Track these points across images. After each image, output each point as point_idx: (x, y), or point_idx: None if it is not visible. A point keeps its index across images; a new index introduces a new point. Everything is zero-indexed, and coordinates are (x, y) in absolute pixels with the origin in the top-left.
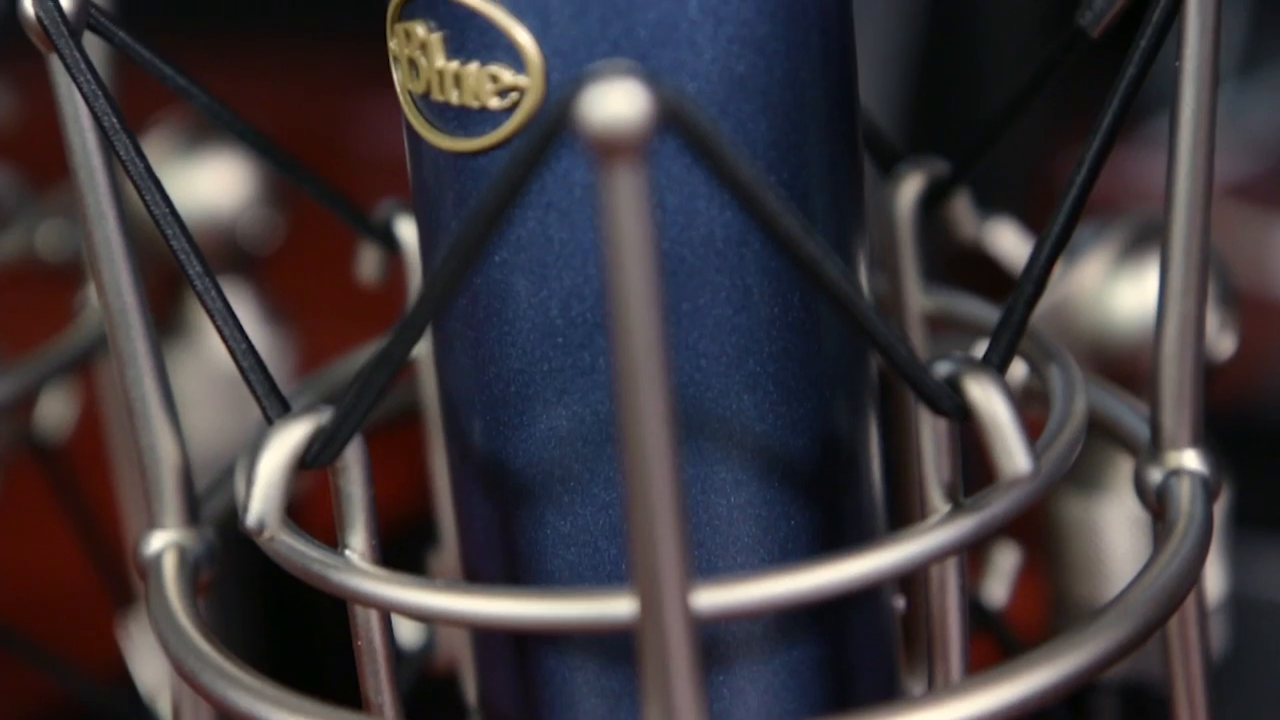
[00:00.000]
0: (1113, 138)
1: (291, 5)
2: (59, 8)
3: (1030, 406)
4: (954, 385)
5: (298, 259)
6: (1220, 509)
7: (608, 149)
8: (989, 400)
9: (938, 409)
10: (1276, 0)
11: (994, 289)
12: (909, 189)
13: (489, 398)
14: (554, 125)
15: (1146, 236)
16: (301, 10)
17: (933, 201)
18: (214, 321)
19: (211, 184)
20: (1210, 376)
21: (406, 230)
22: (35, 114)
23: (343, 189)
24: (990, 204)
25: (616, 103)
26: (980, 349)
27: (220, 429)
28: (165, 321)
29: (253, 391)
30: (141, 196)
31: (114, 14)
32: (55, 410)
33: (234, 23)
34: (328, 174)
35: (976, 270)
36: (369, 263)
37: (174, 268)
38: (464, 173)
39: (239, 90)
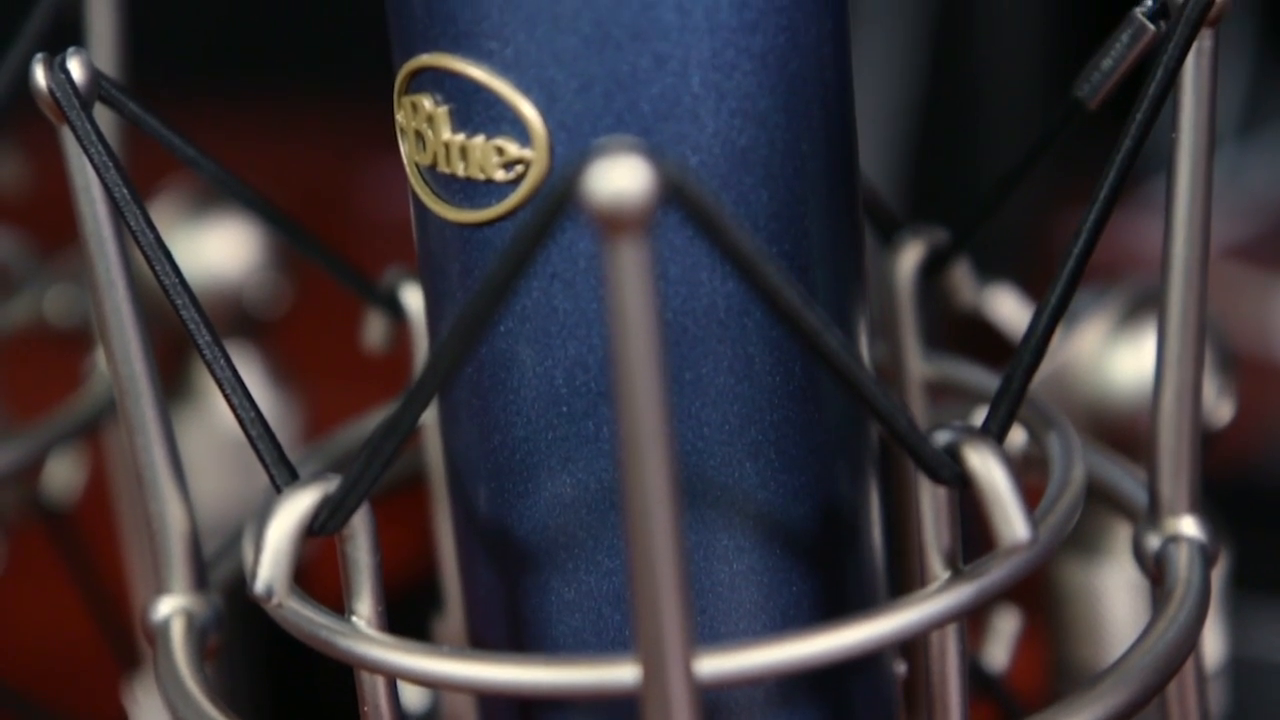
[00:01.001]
0: (1109, 209)
1: (300, 66)
2: (71, 81)
3: (1029, 473)
4: (953, 454)
5: (304, 321)
6: (1220, 571)
7: (612, 224)
8: (988, 469)
9: (937, 478)
10: (1275, 62)
11: (995, 351)
12: (909, 257)
13: (494, 465)
14: (559, 200)
15: (1144, 303)
16: (310, 71)
17: (932, 269)
18: (223, 391)
19: (219, 249)
20: (1210, 439)
21: (412, 298)
22: (43, 178)
23: (349, 250)
24: (990, 266)
25: (620, 178)
26: (980, 416)
27: (226, 492)
28: (172, 385)
29: (261, 460)
30: (151, 267)
31: (124, 84)
32: (63, 474)
33: (242, 82)
34: (333, 235)
35: (978, 333)
36: (375, 330)
37: (181, 331)
38: (470, 243)
39: (246, 150)
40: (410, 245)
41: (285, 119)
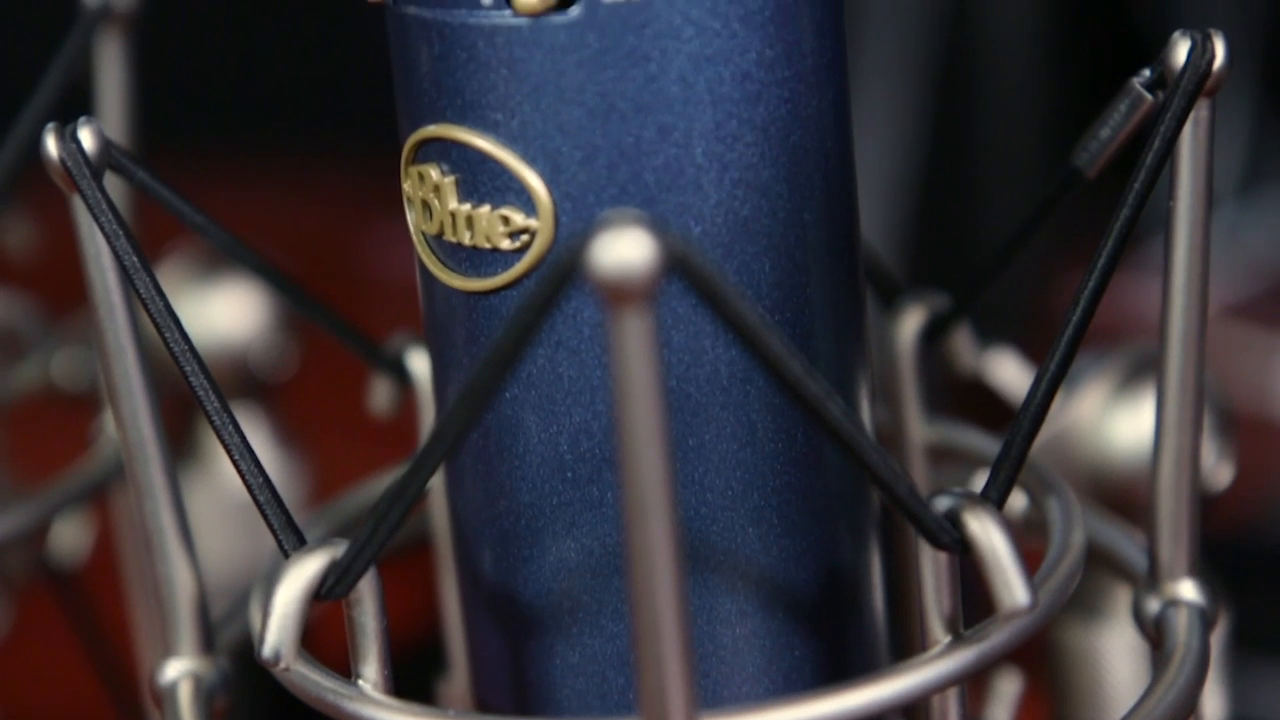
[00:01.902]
0: (1108, 277)
1: (307, 127)
2: (82, 150)
3: (1030, 536)
4: (953, 520)
5: (310, 383)
6: (1221, 632)
7: (617, 295)
8: (988, 535)
9: (937, 543)
10: (1275, 122)
11: (997, 413)
12: (910, 323)
13: (499, 530)
14: (565, 272)
15: (1144, 367)
16: (317, 132)
17: (933, 334)
18: (231, 458)
19: (225, 312)
20: (1211, 500)
21: (418, 363)
22: (50, 240)
23: (354, 310)
24: (991, 328)
25: (625, 251)
26: (981, 479)
27: (233, 552)
28: (178, 446)
29: (269, 525)
30: (161, 334)
31: (133, 151)
32: (70, 536)
33: (249, 142)
34: (338, 295)
35: (980, 395)
36: (381, 394)
37: (187, 393)
38: (476, 311)
39: (252, 210)
40: (415, 306)
41: (292, 179)
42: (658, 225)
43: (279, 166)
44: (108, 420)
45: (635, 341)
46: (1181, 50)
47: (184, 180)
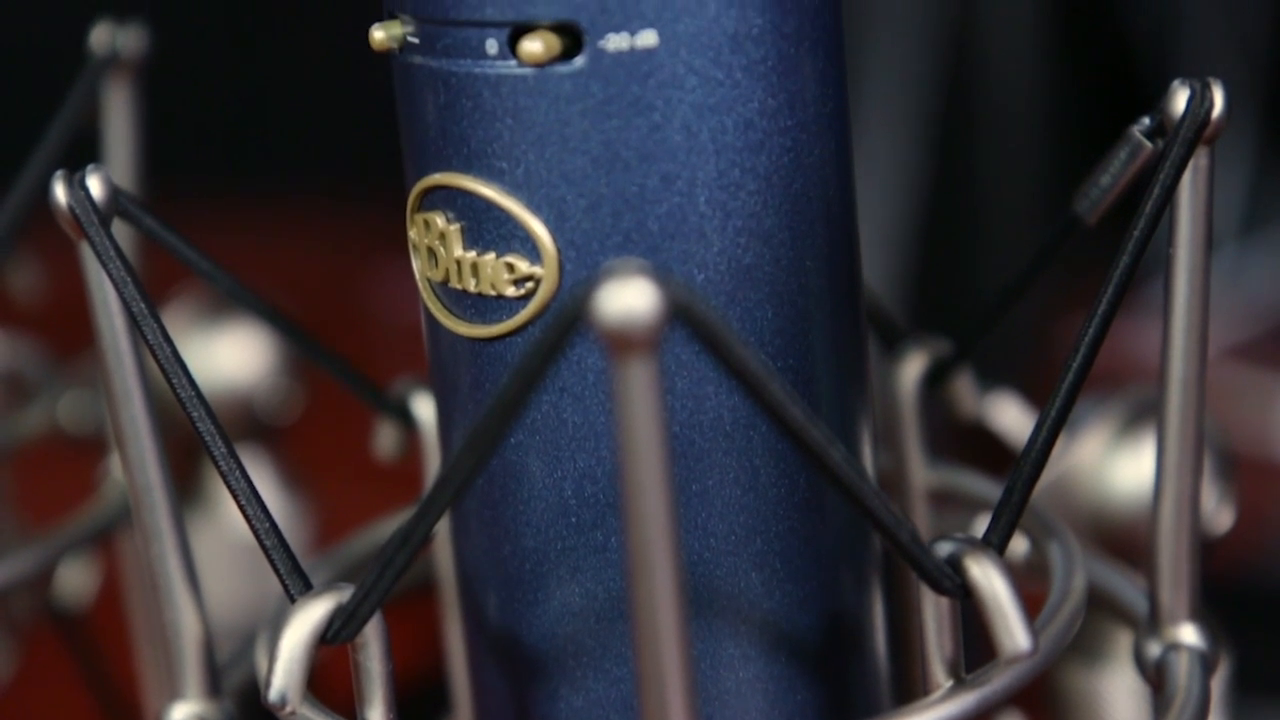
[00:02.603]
0: (1107, 324)
1: (313, 168)
2: (90, 198)
3: (1031, 579)
4: (955, 566)
5: (315, 425)
6: (1222, 674)
7: (621, 344)
8: (989, 581)
9: (939, 589)
10: (1276, 164)
11: (999, 456)
12: (912, 368)
13: (504, 574)
14: (569, 320)
15: (1144, 412)
16: (323, 173)
17: (935, 379)
18: (238, 503)
19: (231, 355)
20: (1212, 543)
21: (423, 408)
22: (56, 283)
23: (358, 352)
24: (993, 370)
25: (629, 300)
26: (982, 523)
27: (238, 595)
28: (184, 488)
29: (275, 570)
30: (168, 381)
31: (141, 198)
32: (76, 579)
33: (255, 183)
34: (344, 336)
35: (982, 438)
36: (386, 439)
37: (192, 435)
38: (480, 357)
39: (259, 251)
40: (419, 347)
41: (297, 220)
42: (661, 274)
43: (283, 207)
44: (114, 463)
45: (639, 388)
46: (1181, 99)
47: (189, 221)
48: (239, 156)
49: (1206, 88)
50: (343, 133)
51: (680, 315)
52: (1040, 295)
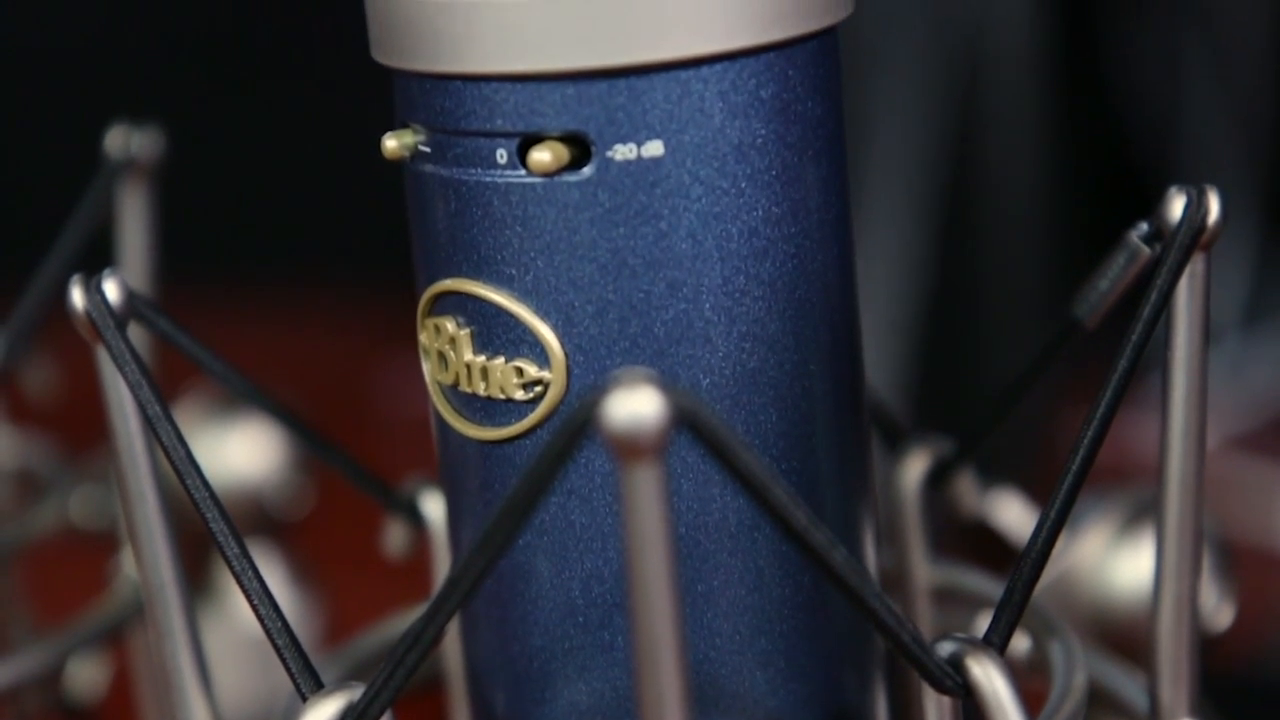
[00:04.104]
0: (1106, 426)
1: (324, 260)
2: (106, 301)
3: (1033, 677)
4: (956, 665)
5: (325, 519)
6: None
7: (628, 450)
8: (990, 681)
9: (941, 688)
10: (1278, 255)
11: (1001, 550)
12: (915, 467)
13: (512, 673)
14: (578, 426)
15: (1145, 510)
16: (333, 266)
17: (938, 479)
18: (250, 602)
19: (242, 451)
20: (1214, 637)
21: (432, 506)
22: (68, 379)
23: (367, 444)
24: (995, 465)
25: (636, 408)
26: (984, 620)
27: (248, 690)
28: (194, 583)
29: (287, 669)
30: (182, 482)
31: (156, 299)
32: (88, 674)
33: (267, 274)
34: (352, 427)
35: (984, 533)
36: (395, 537)
37: (203, 530)
38: (490, 459)
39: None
40: (427, 439)
41: (308, 312)
42: (667, 382)
43: (294, 299)
44: (126, 559)
45: (646, 493)
46: (1177, 205)
47: (199, 310)
48: (250, 249)
49: (1203, 195)
50: (353, 227)
51: (685, 421)
52: (1042, 391)
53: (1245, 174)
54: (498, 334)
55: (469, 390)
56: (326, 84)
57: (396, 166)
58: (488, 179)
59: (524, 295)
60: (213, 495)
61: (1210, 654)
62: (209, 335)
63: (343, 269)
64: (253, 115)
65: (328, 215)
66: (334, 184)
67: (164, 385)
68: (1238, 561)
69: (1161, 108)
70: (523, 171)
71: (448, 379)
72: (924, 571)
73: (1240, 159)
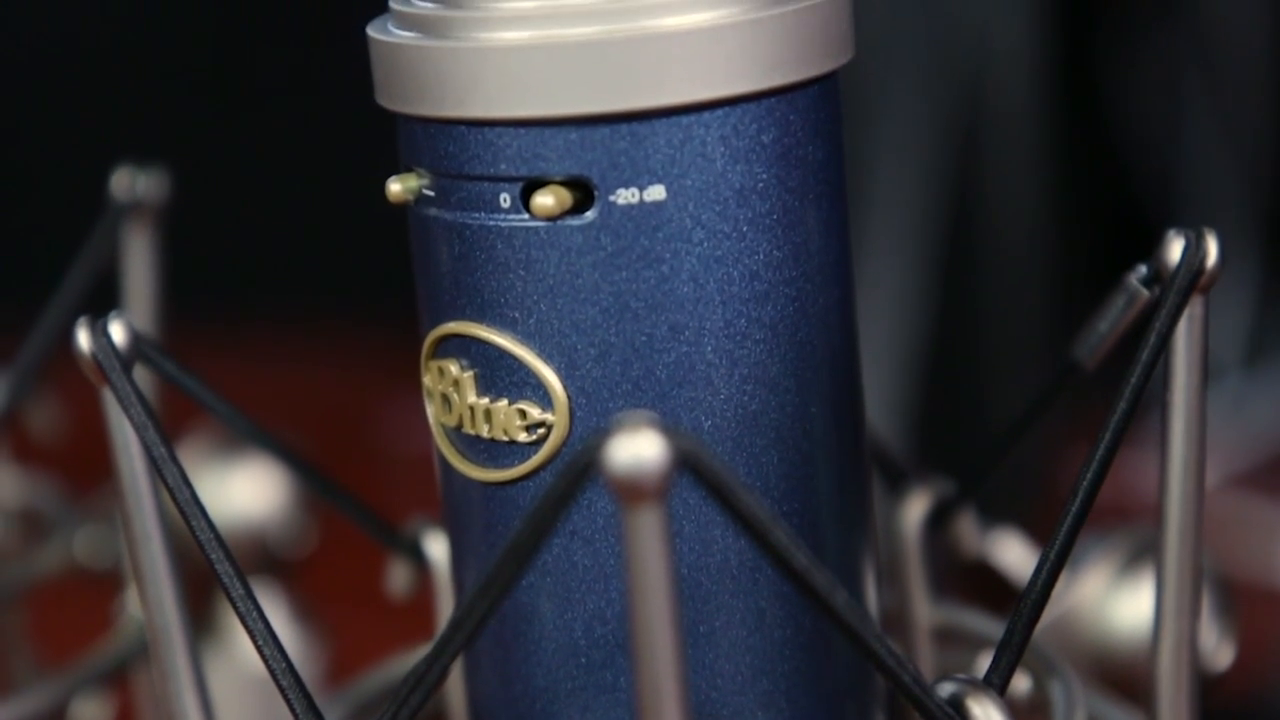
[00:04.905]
0: (1105, 469)
1: (329, 299)
2: (112, 344)
3: (1034, 718)
4: (957, 706)
5: (328, 557)
6: None
7: (630, 493)
8: None
9: None
10: (1279, 293)
11: (1002, 589)
12: (915, 508)
13: (515, 713)
14: (581, 469)
15: (1145, 550)
16: (337, 302)
17: (938, 520)
18: (255, 643)
19: (245, 490)
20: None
21: (435, 546)
22: (71, 418)
23: (369, 481)
24: (997, 502)
25: (638, 451)
26: (985, 659)
27: None
28: (197, 621)
29: (291, 710)
30: (188, 524)
31: (160, 341)
32: (91, 714)
33: (270, 310)
34: (355, 465)
35: (985, 572)
36: (398, 577)
37: (205, 569)
38: (493, 500)
39: (271, 380)
40: (429, 475)
41: (311, 348)
42: (669, 425)
43: (297, 335)
44: (130, 599)
45: (648, 535)
46: (1176, 248)
47: (203, 347)
48: (253, 288)
49: (1201, 237)
50: (357, 267)
51: (687, 464)
52: (1042, 432)
53: (1246, 213)
54: (501, 376)
55: (472, 432)
56: (331, 123)
57: (400, 208)
58: (491, 223)
59: (527, 338)
60: (218, 536)
61: (1211, 693)
62: (212, 372)
63: (346, 308)
64: (257, 153)
65: (331, 255)
66: (338, 223)
67: (167, 423)
68: (1238, 600)
69: (1162, 146)
70: (526, 215)
71: (451, 421)
72: (925, 611)
73: (1241, 198)
